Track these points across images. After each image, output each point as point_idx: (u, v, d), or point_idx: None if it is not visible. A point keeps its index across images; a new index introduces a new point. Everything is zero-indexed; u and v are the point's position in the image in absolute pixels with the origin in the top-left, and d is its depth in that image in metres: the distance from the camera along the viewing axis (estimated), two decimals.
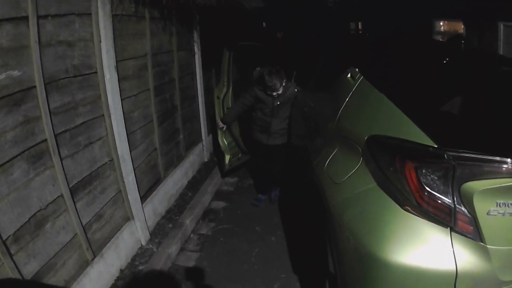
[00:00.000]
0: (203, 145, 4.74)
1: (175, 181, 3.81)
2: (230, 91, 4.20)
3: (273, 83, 3.24)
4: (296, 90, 3.46)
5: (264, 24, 8.46)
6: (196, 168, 4.47)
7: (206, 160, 4.78)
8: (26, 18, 1.76)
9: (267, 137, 3.58)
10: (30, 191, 1.88)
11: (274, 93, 3.32)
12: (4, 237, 1.69)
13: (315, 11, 7.74)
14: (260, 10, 6.52)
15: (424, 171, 1.51)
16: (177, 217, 3.45)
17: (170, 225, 3.33)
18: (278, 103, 3.40)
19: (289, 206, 3.67)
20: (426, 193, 1.49)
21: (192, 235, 3.38)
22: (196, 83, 4.49)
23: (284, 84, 3.33)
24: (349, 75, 2.34)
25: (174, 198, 3.77)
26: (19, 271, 1.75)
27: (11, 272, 1.70)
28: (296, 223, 3.32)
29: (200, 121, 4.68)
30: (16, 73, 1.75)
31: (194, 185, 4.10)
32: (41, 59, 1.90)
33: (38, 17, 1.83)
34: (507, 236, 1.49)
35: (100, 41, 2.43)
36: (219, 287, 2.68)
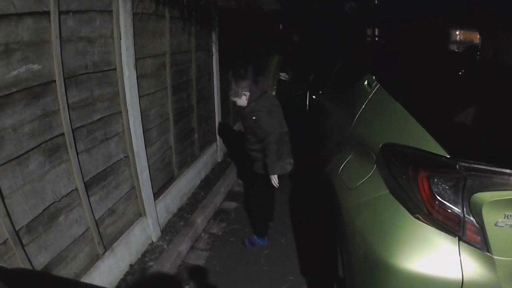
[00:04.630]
0: (217, 145, 4.76)
1: (188, 180, 3.84)
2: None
3: (230, 91, 2.92)
4: (253, 118, 2.76)
5: (281, 26, 8.46)
6: (210, 168, 4.48)
7: (219, 160, 4.80)
8: (47, 13, 1.80)
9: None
10: (45, 184, 1.91)
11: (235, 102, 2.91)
12: (17, 228, 1.72)
13: (331, 16, 7.71)
14: (278, 13, 6.53)
15: (436, 180, 1.51)
16: (189, 216, 3.47)
17: (182, 223, 3.35)
18: (241, 118, 3.01)
19: (300, 208, 3.65)
20: (437, 202, 1.50)
21: (202, 234, 3.39)
22: (213, 84, 4.52)
23: (244, 96, 2.83)
24: (366, 82, 2.34)
25: (186, 196, 3.79)
26: (30, 262, 1.78)
27: (22, 262, 1.73)
28: (306, 226, 3.31)
29: (215, 122, 4.71)
30: (36, 66, 1.79)
31: (206, 185, 4.12)
32: (61, 54, 1.94)
33: (60, 13, 1.87)
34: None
35: (120, 39, 2.47)
36: (227, 286, 2.68)
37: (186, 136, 3.84)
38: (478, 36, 4.19)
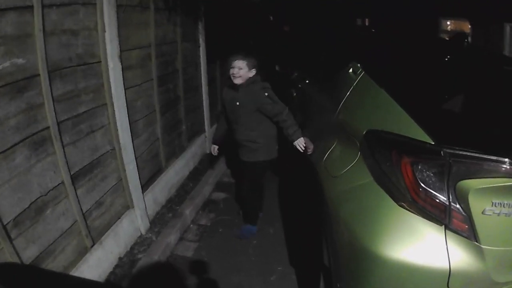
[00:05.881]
0: (205, 136, 4.77)
1: (176, 171, 3.85)
2: None
3: (244, 58, 2.74)
4: (266, 94, 2.70)
5: (271, 17, 8.43)
6: (198, 159, 4.49)
7: (208, 151, 4.79)
8: (31, 7, 1.78)
9: (239, 149, 3.00)
10: (31, 177, 1.91)
11: (236, 80, 2.75)
12: (5, 222, 1.72)
13: (321, 5, 7.70)
14: (267, 4, 6.50)
15: (420, 167, 1.51)
16: (177, 207, 3.49)
17: (170, 215, 3.37)
18: (238, 103, 2.78)
19: (288, 198, 3.69)
20: (421, 189, 1.50)
21: (191, 225, 3.41)
22: (201, 74, 4.50)
23: (248, 72, 2.74)
24: (351, 70, 2.35)
25: (175, 188, 3.80)
26: (18, 256, 1.79)
27: (10, 256, 1.73)
28: (295, 215, 3.34)
29: (203, 112, 4.70)
30: (20, 61, 1.77)
31: (195, 176, 4.14)
32: (45, 48, 1.92)
33: (43, 6, 1.85)
34: (502, 237, 1.49)
35: (105, 31, 2.45)
36: (216, 277, 2.72)
37: (173, 127, 3.83)
38: (469, 25, 4.24)
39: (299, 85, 3.76)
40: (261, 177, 3.06)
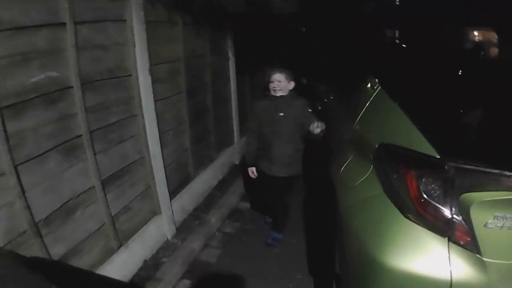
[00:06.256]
0: (235, 147, 4.87)
1: (204, 181, 3.96)
2: None
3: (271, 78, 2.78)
4: (310, 110, 2.77)
5: (303, 29, 8.47)
6: (227, 170, 4.60)
7: (237, 162, 4.90)
8: (63, 24, 1.97)
9: (269, 165, 2.99)
10: (63, 181, 2.07)
11: (276, 93, 2.79)
12: (36, 220, 1.88)
13: (351, 17, 7.69)
14: (298, 16, 6.57)
15: (424, 180, 1.55)
16: (204, 215, 3.59)
17: (197, 222, 3.47)
18: (281, 114, 2.79)
19: (312, 210, 3.70)
20: (425, 202, 1.53)
21: (217, 233, 3.50)
22: (230, 87, 4.64)
23: (288, 85, 2.79)
24: (369, 85, 2.39)
25: (202, 197, 3.91)
26: (47, 252, 1.94)
27: (39, 251, 1.89)
28: (317, 227, 3.35)
29: (232, 124, 4.83)
30: (54, 73, 1.95)
31: (223, 186, 4.24)
32: (77, 62, 2.10)
33: (75, 23, 2.03)
34: (504, 250, 1.49)
35: (135, 46, 2.62)
36: (236, 282, 2.78)
37: (202, 138, 3.97)
38: (496, 36, 4.11)
39: (325, 99, 3.80)
40: (292, 191, 3.14)
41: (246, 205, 4.05)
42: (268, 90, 2.85)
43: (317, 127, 2.55)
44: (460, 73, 2.17)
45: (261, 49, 5.55)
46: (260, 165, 3.07)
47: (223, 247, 3.27)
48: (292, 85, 2.81)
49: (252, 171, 3.14)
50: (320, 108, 3.88)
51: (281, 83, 2.76)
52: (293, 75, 2.82)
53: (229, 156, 4.72)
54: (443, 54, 2.39)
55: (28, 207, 1.83)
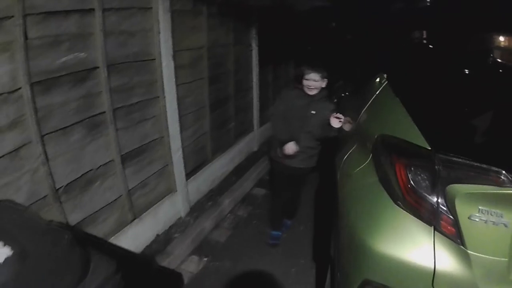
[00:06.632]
0: (254, 135, 5.02)
1: (221, 165, 4.13)
2: None
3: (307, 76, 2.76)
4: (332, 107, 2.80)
5: (333, 24, 8.43)
6: (244, 156, 4.75)
7: (255, 149, 5.04)
8: (92, 10, 2.15)
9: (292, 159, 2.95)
10: (85, 153, 2.28)
11: (310, 92, 2.79)
12: (57, 187, 2.09)
13: (384, 14, 7.60)
14: (327, 10, 6.57)
15: (413, 169, 1.61)
16: (218, 197, 3.77)
17: (210, 203, 3.65)
18: (314, 112, 2.81)
19: (322, 198, 3.81)
20: (412, 190, 1.59)
21: (228, 214, 3.68)
22: (252, 76, 4.77)
23: (321, 83, 2.78)
24: (377, 79, 2.47)
25: (218, 180, 4.09)
26: (65, 217, 2.16)
27: (58, 216, 2.10)
28: (325, 216, 3.46)
29: (253, 113, 4.97)
30: (82, 55, 2.15)
31: (239, 171, 4.39)
32: (104, 45, 2.28)
33: (103, 10, 2.22)
34: (489, 245, 1.52)
35: (159, 33, 2.78)
36: (241, 262, 2.96)
37: (222, 124, 4.13)
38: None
39: (342, 94, 3.88)
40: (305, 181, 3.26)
41: (260, 190, 4.20)
42: (299, 83, 2.86)
43: (336, 119, 2.57)
44: (461, 75, 2.21)
45: (288, 42, 5.64)
46: (283, 159, 3.03)
47: (233, 229, 3.44)
48: (324, 82, 2.80)
49: (292, 146, 2.79)
50: (335, 101, 3.96)
51: (316, 83, 2.76)
52: (327, 73, 2.80)
53: (248, 143, 4.87)
54: (448, 56, 2.43)
55: (51, 174, 2.04)
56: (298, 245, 3.18)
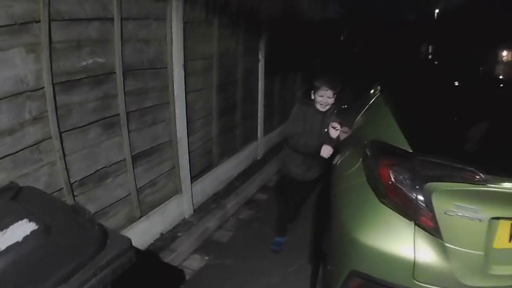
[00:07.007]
0: (258, 143, 5.18)
1: (226, 170, 4.29)
2: None
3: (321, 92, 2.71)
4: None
5: (341, 37, 8.60)
6: (249, 163, 4.91)
7: (259, 158, 5.20)
8: (112, 19, 2.36)
9: (304, 172, 3.02)
10: (99, 151, 2.46)
11: (324, 108, 2.77)
12: (72, 181, 2.27)
13: (393, 28, 7.80)
14: (337, 23, 6.71)
15: (395, 168, 1.79)
16: (222, 200, 3.92)
17: (214, 206, 3.81)
18: (326, 130, 2.78)
19: (322, 202, 3.92)
20: (394, 187, 1.76)
21: (231, 217, 3.82)
22: (258, 87, 4.96)
23: (334, 100, 2.76)
24: (372, 90, 2.65)
25: (223, 184, 4.24)
26: None
27: None
28: (323, 219, 3.59)
29: (257, 121, 5.14)
30: (101, 60, 2.34)
31: (243, 177, 4.55)
32: (122, 51, 2.48)
33: (122, 19, 2.43)
34: (465, 239, 1.66)
35: (172, 42, 2.98)
36: (241, 261, 3.10)
37: (228, 131, 4.30)
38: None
39: (342, 107, 4.05)
40: None
41: (262, 196, 4.35)
42: (309, 98, 2.84)
43: (333, 128, 2.65)
44: (449, 86, 2.38)
45: (293, 53, 5.81)
46: (293, 172, 3.08)
47: (235, 230, 3.59)
48: (334, 99, 2.78)
49: (328, 147, 2.71)
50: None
51: (330, 99, 2.73)
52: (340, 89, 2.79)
53: (252, 150, 5.02)
54: (439, 68, 2.62)
55: (67, 169, 2.22)
56: (297, 246, 3.30)
